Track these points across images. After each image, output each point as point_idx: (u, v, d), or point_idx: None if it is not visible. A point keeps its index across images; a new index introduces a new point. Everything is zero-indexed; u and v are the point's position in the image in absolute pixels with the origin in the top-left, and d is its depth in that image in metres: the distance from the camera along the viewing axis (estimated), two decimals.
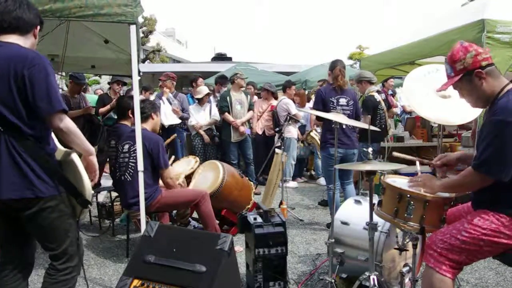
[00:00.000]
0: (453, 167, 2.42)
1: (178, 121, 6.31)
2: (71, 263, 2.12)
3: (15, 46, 1.96)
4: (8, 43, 1.97)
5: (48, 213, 1.99)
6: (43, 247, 2.14)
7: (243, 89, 6.54)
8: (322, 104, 4.28)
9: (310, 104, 7.50)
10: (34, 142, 1.94)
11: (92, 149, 2.13)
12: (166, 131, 6.23)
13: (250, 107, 6.48)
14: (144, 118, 3.73)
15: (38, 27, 2.12)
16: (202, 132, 6.32)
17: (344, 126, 4.19)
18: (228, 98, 6.27)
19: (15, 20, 1.98)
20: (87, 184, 2.11)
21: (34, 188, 1.93)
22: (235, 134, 6.27)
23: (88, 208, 2.18)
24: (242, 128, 6.27)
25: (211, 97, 6.93)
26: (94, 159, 2.14)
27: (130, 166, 3.61)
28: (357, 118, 4.39)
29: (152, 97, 6.60)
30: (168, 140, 4.83)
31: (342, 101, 4.31)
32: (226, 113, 6.24)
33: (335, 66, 4.37)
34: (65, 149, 2.15)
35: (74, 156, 2.13)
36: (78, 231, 2.20)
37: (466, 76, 2.05)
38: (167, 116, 6.19)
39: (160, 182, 3.78)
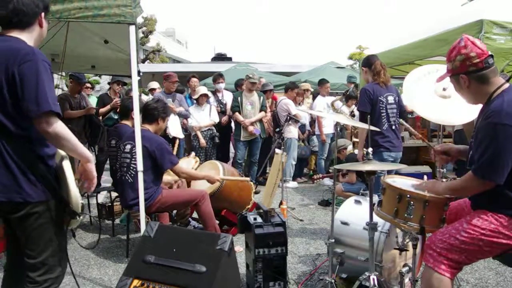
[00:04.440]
0: (453, 158, 2.43)
1: (182, 136, 6.31)
2: (51, 275, 1.95)
3: (13, 41, 1.83)
4: (8, 37, 1.85)
5: (35, 219, 1.87)
6: (23, 254, 1.96)
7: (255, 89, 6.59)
8: (371, 104, 3.85)
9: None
10: (24, 143, 1.83)
11: (89, 155, 1.96)
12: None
13: (262, 108, 6.53)
14: (150, 120, 3.72)
15: (43, 14, 1.95)
16: (199, 135, 6.32)
17: (393, 127, 3.90)
18: (239, 98, 6.44)
19: (13, 13, 1.84)
20: (74, 193, 1.94)
21: (23, 192, 1.82)
22: (244, 133, 6.38)
23: (77, 219, 2.01)
24: (250, 128, 6.33)
25: (212, 98, 6.94)
26: (91, 166, 1.96)
27: (132, 167, 3.61)
28: (401, 114, 4.05)
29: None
30: (175, 149, 4.79)
31: (390, 99, 3.91)
32: (237, 113, 6.38)
33: (374, 61, 3.97)
34: (62, 153, 1.99)
35: (65, 163, 1.97)
36: (65, 241, 2.03)
37: (454, 76, 2.10)
38: (174, 127, 6.09)
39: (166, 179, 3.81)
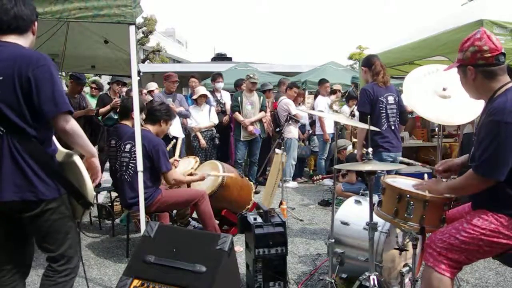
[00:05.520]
0: (457, 172, 2.42)
1: (182, 136, 6.28)
2: (70, 265, 2.09)
3: (18, 46, 1.92)
4: (9, 43, 1.93)
5: (49, 215, 1.98)
6: (41, 249, 2.10)
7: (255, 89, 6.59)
8: (370, 104, 3.83)
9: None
10: (36, 143, 1.92)
11: (95, 151, 2.11)
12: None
13: (262, 108, 6.53)
14: (152, 121, 3.76)
15: (36, 23, 2.07)
16: (199, 136, 6.32)
17: (393, 128, 3.89)
18: (239, 98, 6.45)
19: (14, 19, 1.93)
20: (89, 185, 2.10)
21: (36, 190, 1.91)
22: (244, 133, 6.39)
23: (90, 209, 2.17)
24: (250, 128, 6.35)
25: (211, 98, 6.93)
26: (96, 160, 2.13)
27: (130, 167, 3.62)
28: (402, 114, 4.07)
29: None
30: (172, 147, 4.72)
31: (390, 99, 3.90)
32: (237, 113, 6.39)
33: (374, 62, 3.94)
34: (66, 151, 2.13)
35: (76, 158, 2.11)
36: (78, 233, 2.19)
37: (462, 67, 2.10)
38: (174, 127, 6.02)
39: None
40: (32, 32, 2.05)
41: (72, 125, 1.94)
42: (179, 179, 3.74)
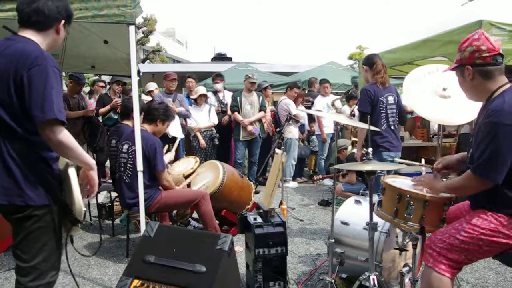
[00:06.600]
0: (455, 169, 2.42)
1: (182, 136, 6.27)
2: (42, 281, 1.90)
3: (25, 42, 1.82)
4: (21, 38, 1.84)
5: (33, 222, 1.85)
6: (14, 255, 1.94)
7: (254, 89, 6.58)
8: (371, 105, 3.83)
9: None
10: (28, 146, 1.81)
11: (93, 163, 1.94)
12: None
13: (262, 108, 6.53)
14: (149, 120, 3.75)
15: (63, 22, 1.95)
16: (199, 136, 6.32)
17: (392, 127, 3.89)
18: (238, 98, 6.44)
19: (34, 12, 1.84)
20: (78, 201, 1.92)
21: (24, 195, 1.80)
22: (244, 133, 6.39)
23: (78, 226, 2.00)
24: (249, 127, 6.34)
25: (213, 98, 6.92)
26: (94, 173, 1.95)
27: (128, 167, 3.61)
28: (401, 114, 4.07)
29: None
30: (173, 149, 4.70)
31: (390, 99, 3.90)
32: (236, 113, 6.38)
33: (375, 61, 3.92)
34: (66, 159, 1.97)
35: (70, 170, 1.95)
36: (61, 247, 1.99)
37: (460, 67, 2.10)
38: (174, 127, 5.99)
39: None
40: (56, 32, 1.94)
41: (58, 135, 1.76)
42: (170, 184, 3.71)
